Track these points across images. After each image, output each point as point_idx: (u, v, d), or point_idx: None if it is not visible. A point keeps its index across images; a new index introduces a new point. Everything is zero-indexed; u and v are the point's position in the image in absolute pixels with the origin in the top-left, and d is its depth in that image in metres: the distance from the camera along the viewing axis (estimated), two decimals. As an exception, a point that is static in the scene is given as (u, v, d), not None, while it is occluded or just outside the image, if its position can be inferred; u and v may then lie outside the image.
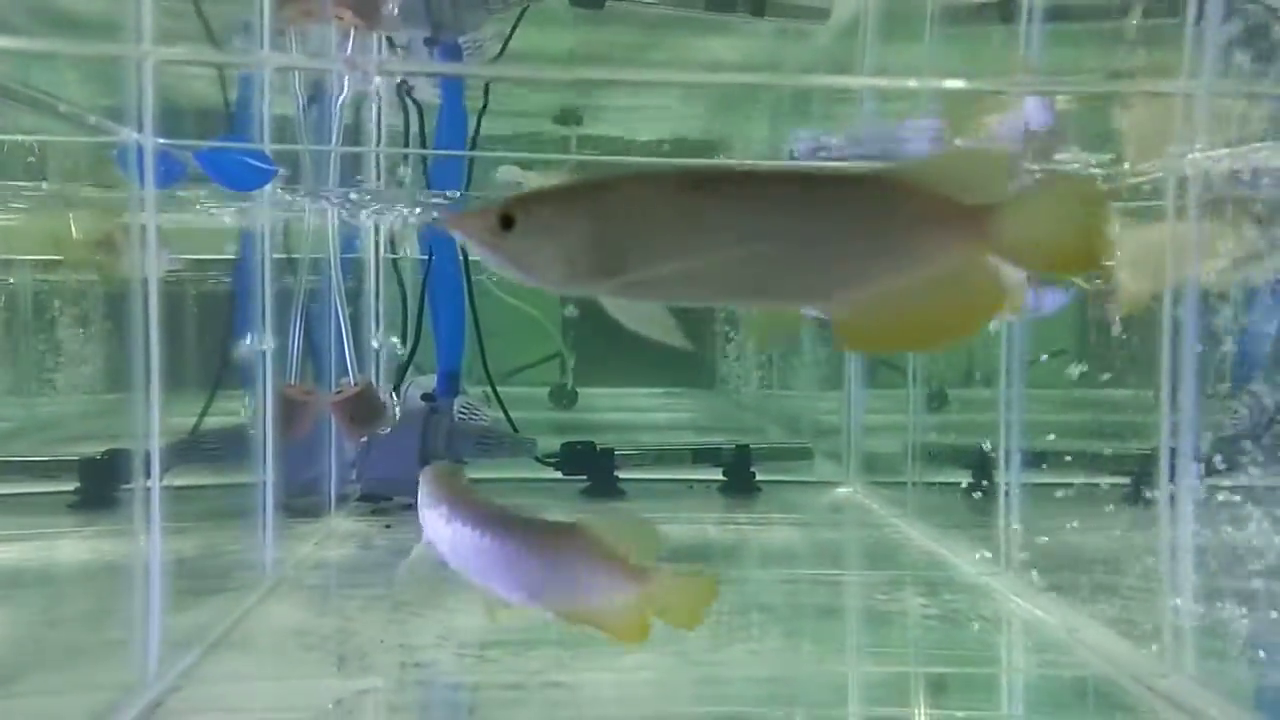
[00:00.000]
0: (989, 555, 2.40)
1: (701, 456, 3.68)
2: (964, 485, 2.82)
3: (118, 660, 1.68)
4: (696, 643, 1.98)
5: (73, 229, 3.17)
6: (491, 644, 1.94)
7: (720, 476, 3.55)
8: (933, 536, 2.77)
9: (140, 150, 1.64)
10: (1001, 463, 2.33)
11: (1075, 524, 2.25)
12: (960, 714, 1.80)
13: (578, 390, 5.84)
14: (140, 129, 1.59)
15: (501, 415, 3.63)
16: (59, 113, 1.60)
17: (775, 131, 4.41)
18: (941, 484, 2.99)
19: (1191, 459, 1.58)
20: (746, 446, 3.61)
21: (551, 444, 3.56)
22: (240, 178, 1.92)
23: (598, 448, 3.54)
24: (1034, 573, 2.20)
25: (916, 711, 1.77)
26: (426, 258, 3.51)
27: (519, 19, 3.08)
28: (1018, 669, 1.93)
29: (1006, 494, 2.31)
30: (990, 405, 2.39)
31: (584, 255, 0.93)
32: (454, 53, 2.86)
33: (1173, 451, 1.61)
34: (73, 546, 2.66)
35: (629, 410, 5.69)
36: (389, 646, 1.92)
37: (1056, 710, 1.74)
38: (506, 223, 0.94)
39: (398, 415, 3.06)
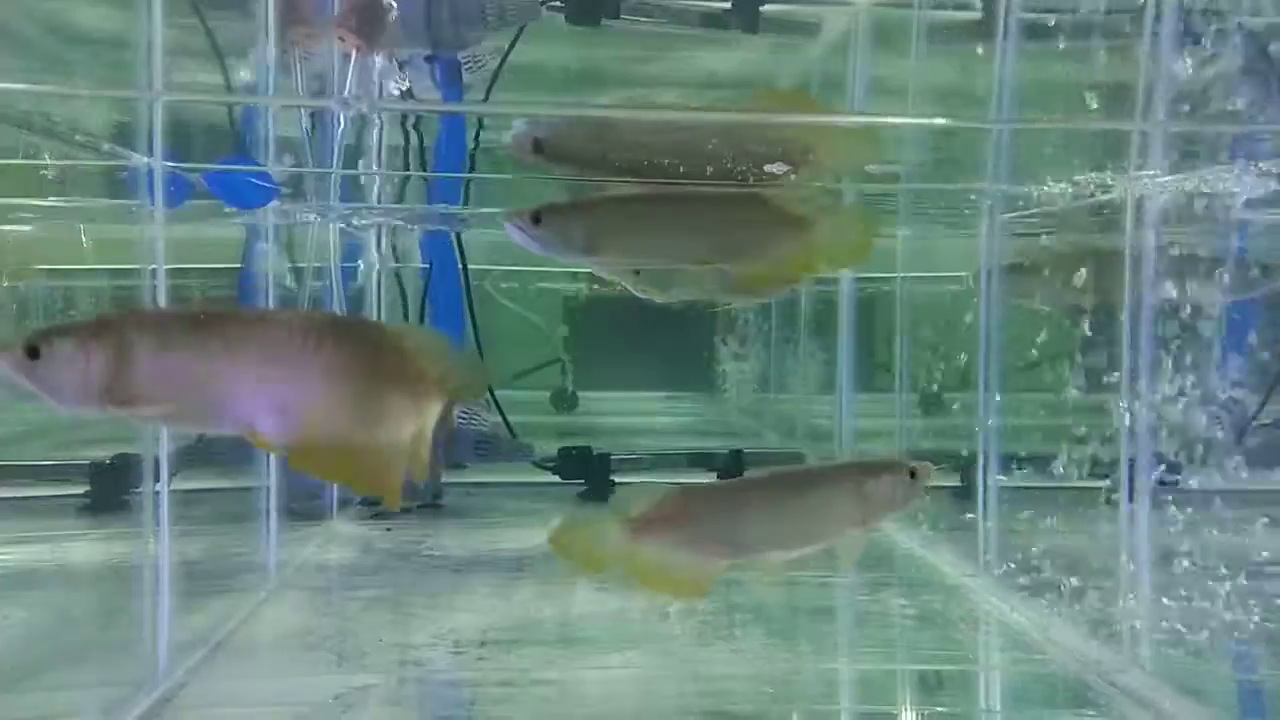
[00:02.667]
0: (969, 557, 2.48)
1: (696, 461, 3.76)
2: (952, 488, 2.89)
3: (128, 658, 1.76)
4: (682, 642, 2.07)
5: (83, 239, 3.26)
6: (486, 643, 2.02)
7: (715, 481, 3.63)
8: (917, 539, 2.85)
9: (150, 173, 1.73)
10: (980, 465, 2.41)
11: (1052, 525, 2.33)
12: (936, 709, 1.88)
13: (578, 394, 5.92)
14: (151, 154, 1.67)
15: (500, 420, 3.71)
16: (75, 141, 1.69)
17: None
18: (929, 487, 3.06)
19: (1149, 463, 1.66)
20: (740, 451, 3.69)
21: (552, 448, 3.65)
22: (244, 196, 2.00)
23: (594, 452, 3.62)
24: (1008, 573, 2.28)
25: (893, 707, 1.85)
26: (426, 266, 3.59)
27: (518, 35, 3.16)
28: (991, 666, 2.00)
29: (984, 496, 2.39)
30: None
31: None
32: (454, 68, 2.94)
33: (1132, 457, 1.69)
34: (84, 548, 2.75)
35: (629, 414, 5.76)
36: (387, 645, 2.00)
37: (1024, 704, 1.82)
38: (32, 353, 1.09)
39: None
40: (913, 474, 1.44)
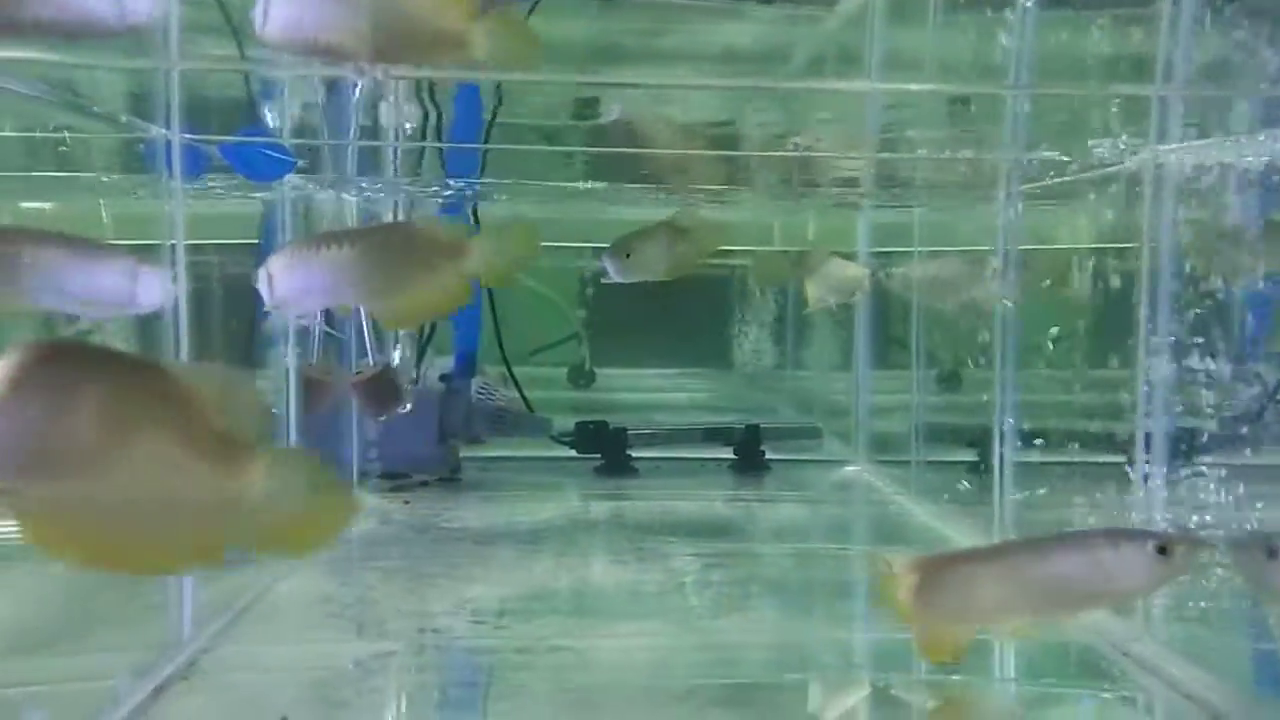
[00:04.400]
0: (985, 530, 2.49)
1: (713, 435, 3.77)
2: (967, 463, 2.90)
3: (155, 624, 1.80)
4: (697, 612, 2.09)
5: (103, 214, 3.29)
6: (504, 612, 2.05)
7: (731, 455, 3.64)
8: (932, 513, 2.85)
9: (169, 145, 1.74)
10: (995, 440, 2.41)
11: (1068, 499, 2.33)
12: (951, 676, 1.89)
13: (595, 370, 5.93)
14: (168, 126, 1.69)
15: (517, 395, 3.73)
16: (94, 113, 1.70)
17: (786, 115, 4.46)
18: (944, 462, 3.07)
19: (1164, 439, 1.66)
20: (756, 426, 3.69)
21: (569, 422, 3.67)
22: (261, 169, 2.02)
23: (610, 427, 3.64)
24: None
25: (907, 674, 1.87)
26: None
27: (533, 8, 3.15)
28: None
29: (1000, 471, 2.38)
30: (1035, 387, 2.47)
31: None
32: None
33: (1148, 433, 1.69)
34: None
35: (646, 390, 5.78)
36: (406, 614, 2.03)
37: (1038, 674, 1.83)
38: None
39: (415, 395, 3.17)
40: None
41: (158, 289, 1.44)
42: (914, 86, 2.29)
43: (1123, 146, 1.83)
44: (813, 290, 3.02)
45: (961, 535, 2.62)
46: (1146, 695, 1.68)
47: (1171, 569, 1.23)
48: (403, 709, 1.67)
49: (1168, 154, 1.65)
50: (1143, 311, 1.72)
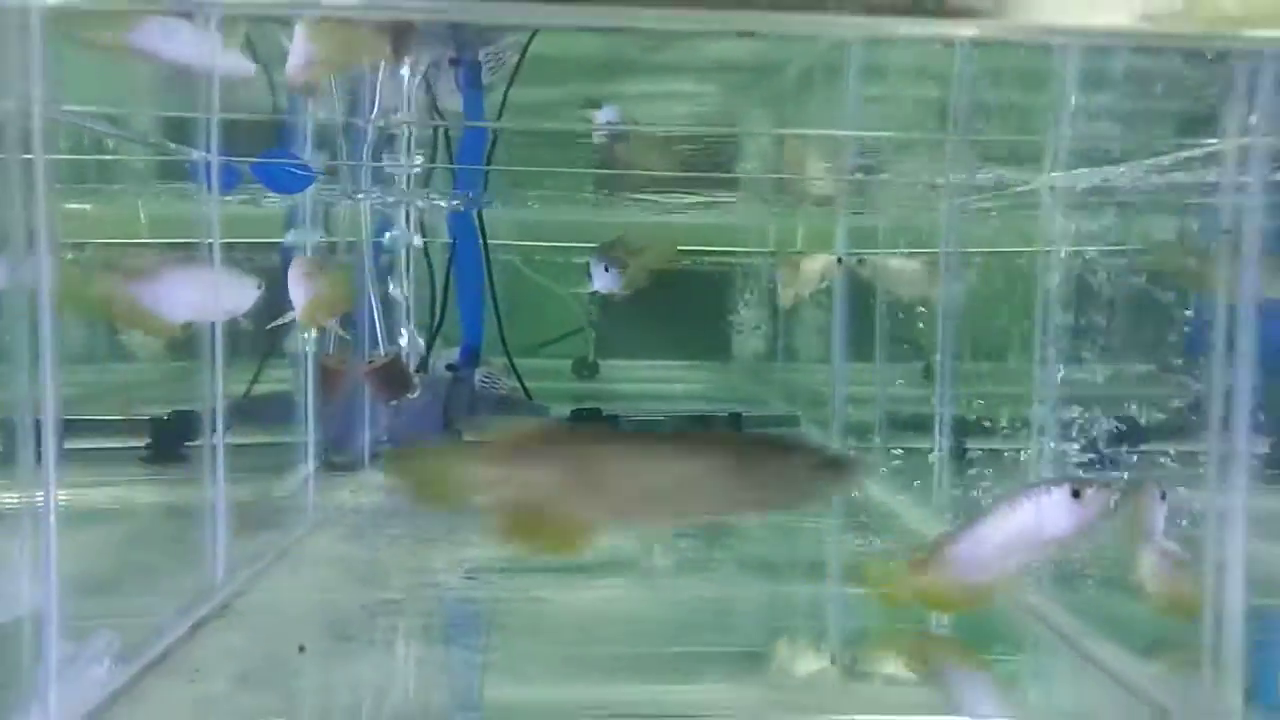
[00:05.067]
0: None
1: (698, 423, 4.07)
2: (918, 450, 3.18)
3: (193, 574, 2.11)
4: (662, 571, 2.39)
5: (141, 215, 3.62)
6: (493, 570, 2.35)
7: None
8: (889, 492, 3.14)
9: (208, 166, 2.06)
10: (936, 430, 2.70)
11: (989, 482, 2.62)
12: (877, 624, 2.19)
13: (599, 363, 6.23)
14: (208, 150, 2.00)
15: (518, 385, 4.03)
16: (148, 143, 2.02)
17: (789, 110, 4.73)
18: (903, 449, 3.35)
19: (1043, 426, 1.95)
20: (738, 414, 3.99)
21: (568, 410, 3.97)
22: (286, 183, 2.33)
23: (603, 413, 3.94)
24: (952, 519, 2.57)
25: (833, 625, 2.16)
26: (451, 241, 3.92)
27: (524, 52, 3.42)
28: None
29: (939, 457, 2.68)
30: (967, 379, 2.76)
31: None
32: (475, 70, 3.24)
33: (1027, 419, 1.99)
34: (146, 491, 3.12)
35: (647, 381, 6.06)
36: (409, 570, 2.34)
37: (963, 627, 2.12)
38: None
39: (423, 384, 3.49)
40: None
41: (251, 294, 1.83)
42: (856, 133, 2.58)
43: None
44: (785, 287, 3.35)
45: (910, 514, 2.91)
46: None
47: (1088, 511, 1.42)
48: (401, 643, 1.98)
49: (1059, 179, 1.94)
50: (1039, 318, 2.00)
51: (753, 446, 1.22)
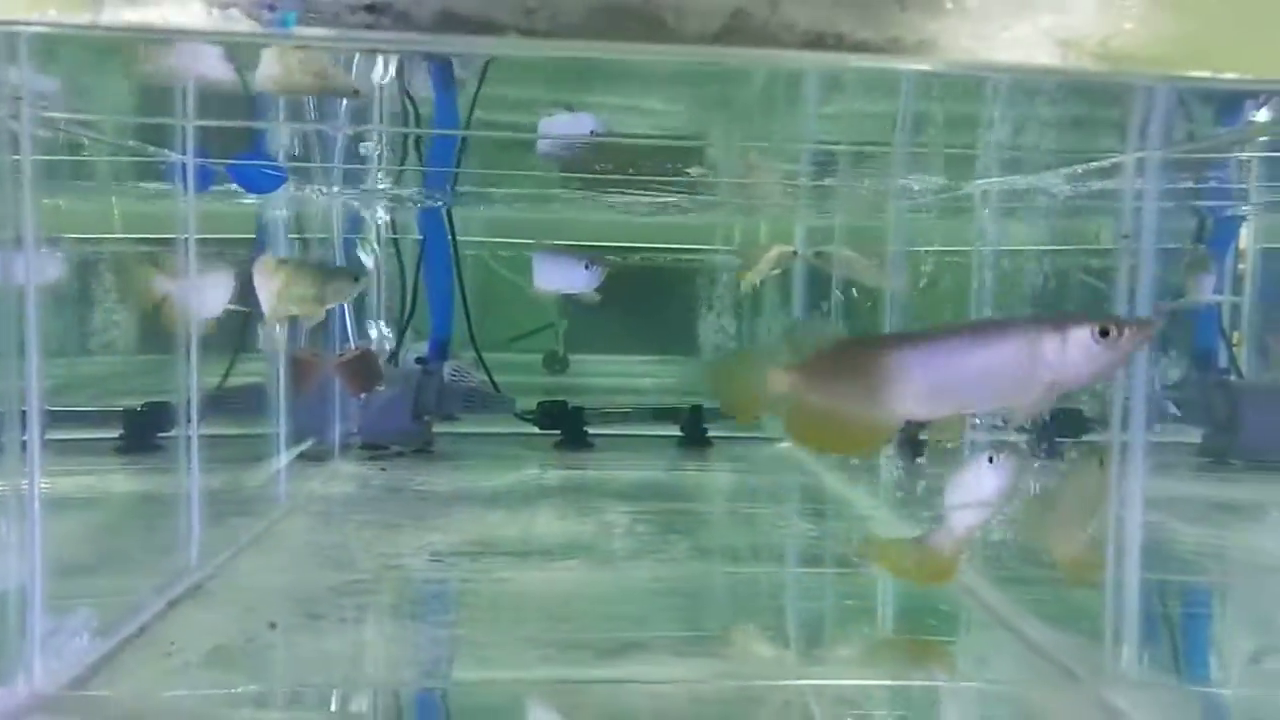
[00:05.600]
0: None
1: (661, 414, 4.20)
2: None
3: (168, 556, 2.21)
4: (619, 554, 2.51)
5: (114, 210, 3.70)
6: (456, 554, 2.47)
7: (678, 432, 4.06)
8: (843, 481, 3.28)
9: (184, 167, 2.16)
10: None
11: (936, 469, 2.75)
12: (815, 605, 2.32)
13: (569, 357, 6.34)
14: (184, 153, 2.10)
15: (487, 378, 4.14)
16: (129, 148, 2.12)
17: (756, 126, 4.86)
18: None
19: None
20: (700, 406, 4.11)
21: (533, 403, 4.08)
22: (258, 183, 2.43)
23: (570, 406, 4.06)
24: (900, 504, 2.71)
25: (782, 603, 2.29)
26: (421, 239, 4.01)
27: (482, 77, 3.50)
28: (861, 571, 2.45)
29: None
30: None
31: None
32: (446, 68, 3.33)
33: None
34: (122, 480, 3.20)
35: (617, 375, 6.18)
36: (375, 554, 2.45)
37: (879, 592, 2.26)
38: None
39: (391, 376, 3.59)
40: (1105, 332, 1.25)
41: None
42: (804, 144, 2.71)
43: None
44: (741, 272, 3.54)
45: (862, 502, 3.04)
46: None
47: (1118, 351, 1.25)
48: (365, 619, 2.09)
49: (987, 184, 2.08)
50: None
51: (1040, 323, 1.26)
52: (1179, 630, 2.10)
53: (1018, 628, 1.98)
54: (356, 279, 2.59)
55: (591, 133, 3.20)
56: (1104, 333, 1.24)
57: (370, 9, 0.96)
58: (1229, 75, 1.15)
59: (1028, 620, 1.98)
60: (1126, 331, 1.25)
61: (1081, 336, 1.25)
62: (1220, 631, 2.14)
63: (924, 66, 1.01)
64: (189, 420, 2.26)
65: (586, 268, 3.25)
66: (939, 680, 1.90)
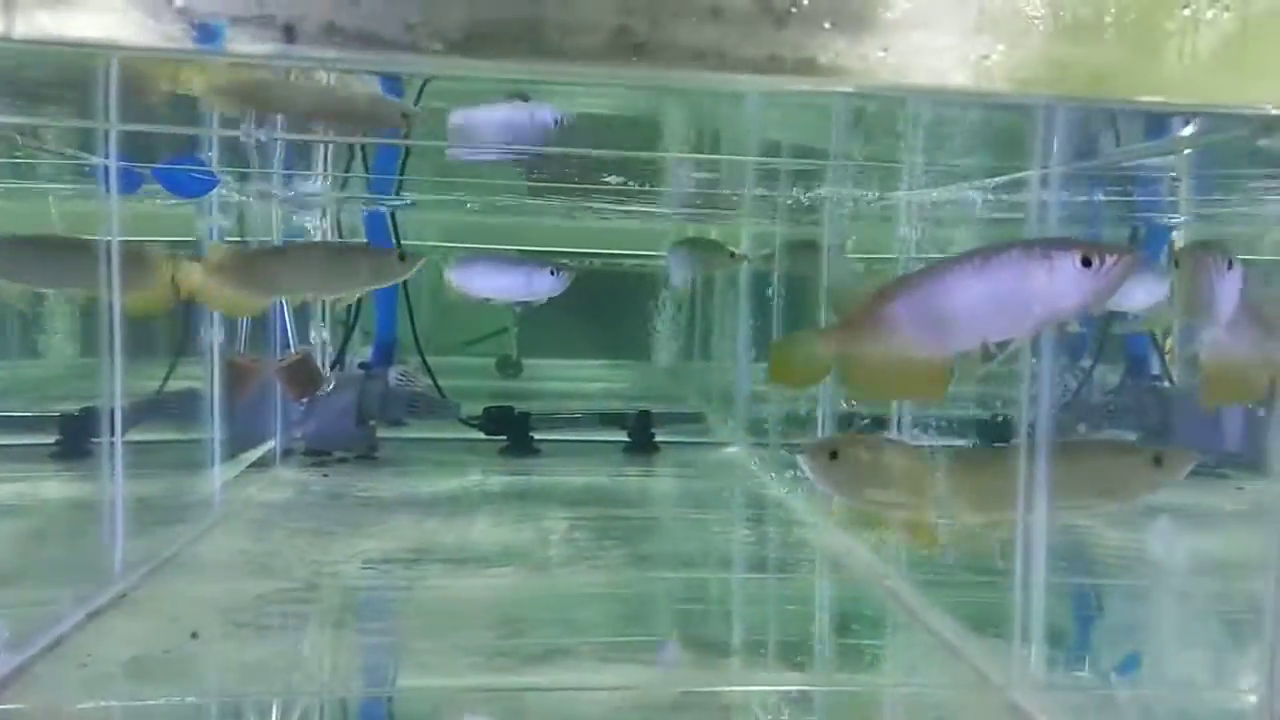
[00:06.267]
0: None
1: (609, 420, 4.20)
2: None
3: (93, 566, 2.19)
4: (555, 561, 2.52)
5: (53, 210, 3.64)
6: (390, 560, 2.46)
7: (625, 437, 4.07)
8: (784, 486, 3.31)
9: (107, 170, 2.13)
10: (819, 428, 2.87)
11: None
12: (750, 609, 2.34)
13: (522, 361, 6.34)
14: (107, 155, 2.08)
15: (431, 382, 4.12)
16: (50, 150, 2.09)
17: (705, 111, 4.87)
18: (797, 444, 3.52)
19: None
20: (647, 411, 4.13)
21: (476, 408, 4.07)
22: (186, 187, 2.40)
23: (516, 411, 4.05)
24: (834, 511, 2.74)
25: (715, 606, 2.31)
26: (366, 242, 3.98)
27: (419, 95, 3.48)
28: (797, 577, 2.48)
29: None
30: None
31: None
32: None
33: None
34: (55, 487, 3.15)
35: (569, 380, 6.18)
36: (307, 560, 2.43)
37: (810, 597, 2.29)
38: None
39: (335, 381, 3.56)
40: (1086, 262, 1.23)
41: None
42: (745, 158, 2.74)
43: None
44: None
45: (801, 508, 3.07)
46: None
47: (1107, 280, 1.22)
48: (291, 627, 2.07)
49: (911, 195, 2.12)
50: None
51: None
52: (1092, 632, 2.15)
53: (937, 630, 2.01)
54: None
55: (556, 122, 3.17)
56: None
57: (260, 21, 0.96)
58: (1117, 97, 1.18)
59: (946, 622, 2.02)
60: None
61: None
62: (1131, 633, 2.19)
63: (804, 86, 1.03)
64: (113, 425, 2.24)
65: (553, 273, 3.22)
66: (855, 686, 1.93)
